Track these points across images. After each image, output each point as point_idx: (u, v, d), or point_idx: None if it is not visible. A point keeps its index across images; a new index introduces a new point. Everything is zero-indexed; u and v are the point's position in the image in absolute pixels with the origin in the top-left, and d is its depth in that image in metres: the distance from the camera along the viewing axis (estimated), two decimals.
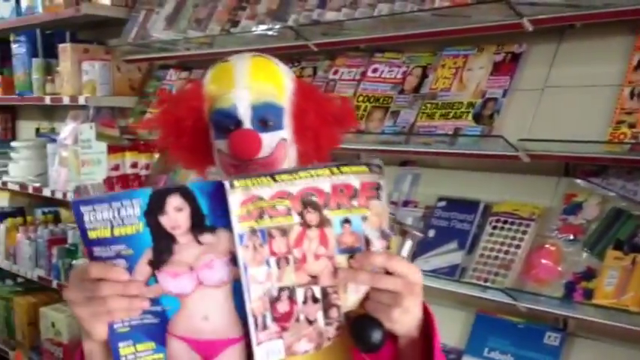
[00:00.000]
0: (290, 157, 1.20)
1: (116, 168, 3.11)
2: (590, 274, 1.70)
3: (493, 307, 1.93)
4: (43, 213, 3.86)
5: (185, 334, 0.98)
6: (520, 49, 1.92)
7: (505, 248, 1.86)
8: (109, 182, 3.02)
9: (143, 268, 0.95)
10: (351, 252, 0.98)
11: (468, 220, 1.97)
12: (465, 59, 2.01)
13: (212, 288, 0.96)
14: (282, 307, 0.95)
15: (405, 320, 0.99)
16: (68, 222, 3.66)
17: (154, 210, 0.93)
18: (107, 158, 3.07)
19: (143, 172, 3.14)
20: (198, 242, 0.95)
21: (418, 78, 2.12)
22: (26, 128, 4.35)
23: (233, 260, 0.94)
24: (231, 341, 0.98)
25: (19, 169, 3.67)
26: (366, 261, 0.97)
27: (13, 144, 3.78)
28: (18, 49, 3.58)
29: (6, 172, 3.79)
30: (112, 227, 0.94)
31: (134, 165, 3.14)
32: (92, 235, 0.95)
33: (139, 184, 3.13)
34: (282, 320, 0.95)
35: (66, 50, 3.23)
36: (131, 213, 0.94)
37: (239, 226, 0.93)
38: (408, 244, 1.08)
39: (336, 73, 2.35)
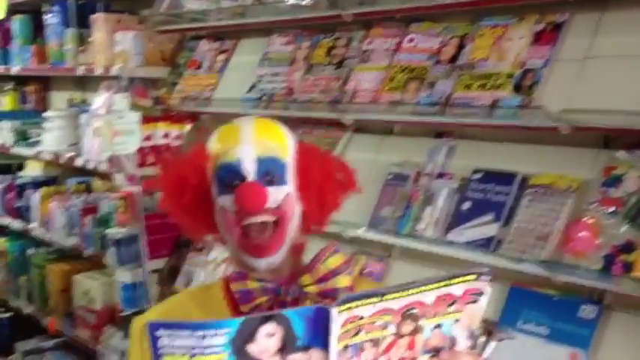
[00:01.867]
0: (296, 214, 1.22)
1: (148, 138, 3.13)
2: (630, 247, 1.68)
3: (528, 280, 1.92)
4: (76, 183, 3.91)
5: None
6: (562, 19, 1.89)
7: (542, 220, 1.84)
8: (141, 152, 3.05)
9: None
10: (434, 352, 0.97)
11: (504, 192, 1.96)
12: (505, 29, 1.98)
13: None
14: None
15: None
16: (100, 192, 3.70)
17: (242, 338, 0.88)
18: (140, 128, 3.09)
19: (175, 143, 3.16)
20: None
21: (455, 48, 2.09)
22: (58, 99, 4.39)
23: None
24: None
25: (53, 139, 3.70)
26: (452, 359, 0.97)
27: (46, 114, 3.81)
28: (51, 19, 3.60)
29: (39, 142, 3.84)
30: (192, 355, 0.88)
31: (166, 135, 3.16)
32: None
33: (170, 155, 3.16)
34: None
35: (99, 20, 3.24)
36: (216, 342, 0.88)
37: (336, 347, 0.89)
38: (492, 345, 1.06)
39: (370, 43, 2.33)
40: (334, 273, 1.21)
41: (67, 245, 3.59)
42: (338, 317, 0.87)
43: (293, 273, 1.24)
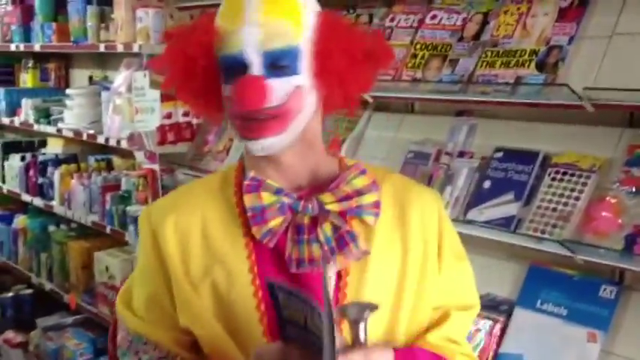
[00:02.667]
0: (309, 106, 1.08)
1: (168, 116, 3.14)
2: None
3: (548, 260, 1.91)
4: (96, 160, 3.94)
5: None
6: None
7: (564, 200, 1.83)
8: (162, 130, 3.06)
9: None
10: None
11: (525, 171, 1.94)
12: (529, 5, 1.95)
13: None
14: None
15: None
16: (121, 169, 3.73)
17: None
18: (160, 106, 3.09)
19: (195, 121, 3.17)
20: None
21: (479, 25, 2.07)
22: (79, 76, 4.42)
23: None
24: None
25: (74, 116, 3.73)
26: None
27: (67, 91, 3.84)
28: None
29: (61, 120, 3.86)
30: (306, 318, 0.91)
31: (186, 114, 3.16)
32: (285, 313, 0.93)
33: (190, 133, 3.17)
34: None
35: None
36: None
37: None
38: (362, 327, 1.01)
39: (392, 20, 2.31)
40: (359, 193, 1.10)
41: (88, 222, 3.63)
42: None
43: (313, 187, 1.13)
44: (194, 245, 1.14)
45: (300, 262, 1.09)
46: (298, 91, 1.05)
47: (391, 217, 1.16)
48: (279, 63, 1.03)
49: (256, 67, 1.03)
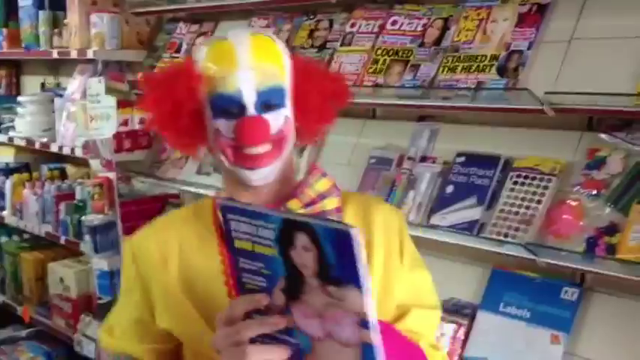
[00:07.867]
0: (293, 135, 1.22)
1: (125, 123, 3.08)
2: (613, 229, 1.68)
3: (510, 263, 1.92)
4: (49, 169, 3.84)
5: None
6: (547, 0, 1.88)
7: (526, 204, 1.84)
8: (118, 138, 3.00)
9: (279, 295, 0.93)
10: None
11: (487, 176, 1.95)
12: (489, 11, 1.97)
13: (341, 345, 0.90)
14: None
15: None
16: (75, 178, 3.64)
17: (285, 241, 0.90)
18: (117, 113, 3.03)
19: None
20: (325, 291, 0.89)
21: (439, 30, 2.08)
22: (31, 83, 4.31)
23: (362, 323, 0.87)
24: None
25: (26, 124, 3.64)
26: None
27: (19, 99, 3.74)
28: (24, 1, 3.52)
29: (12, 128, 3.76)
30: (253, 243, 0.92)
31: (142, 121, 3.10)
32: (237, 244, 0.94)
33: (147, 140, 3.11)
34: None
35: (74, 2, 3.17)
36: (268, 235, 0.90)
37: (366, 277, 0.85)
38: None
39: (353, 25, 2.30)
40: (322, 197, 1.21)
41: (41, 233, 3.53)
42: (359, 238, 0.84)
43: (280, 198, 1.22)
44: (172, 254, 1.24)
45: None
46: (288, 121, 1.19)
47: (355, 220, 1.25)
48: (271, 101, 1.16)
49: (252, 106, 1.15)
